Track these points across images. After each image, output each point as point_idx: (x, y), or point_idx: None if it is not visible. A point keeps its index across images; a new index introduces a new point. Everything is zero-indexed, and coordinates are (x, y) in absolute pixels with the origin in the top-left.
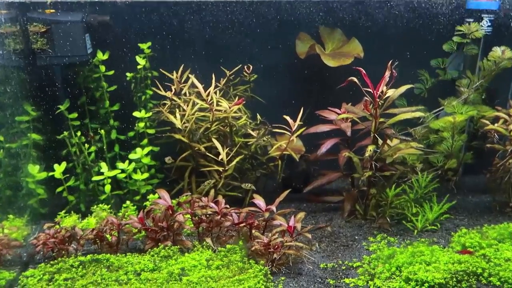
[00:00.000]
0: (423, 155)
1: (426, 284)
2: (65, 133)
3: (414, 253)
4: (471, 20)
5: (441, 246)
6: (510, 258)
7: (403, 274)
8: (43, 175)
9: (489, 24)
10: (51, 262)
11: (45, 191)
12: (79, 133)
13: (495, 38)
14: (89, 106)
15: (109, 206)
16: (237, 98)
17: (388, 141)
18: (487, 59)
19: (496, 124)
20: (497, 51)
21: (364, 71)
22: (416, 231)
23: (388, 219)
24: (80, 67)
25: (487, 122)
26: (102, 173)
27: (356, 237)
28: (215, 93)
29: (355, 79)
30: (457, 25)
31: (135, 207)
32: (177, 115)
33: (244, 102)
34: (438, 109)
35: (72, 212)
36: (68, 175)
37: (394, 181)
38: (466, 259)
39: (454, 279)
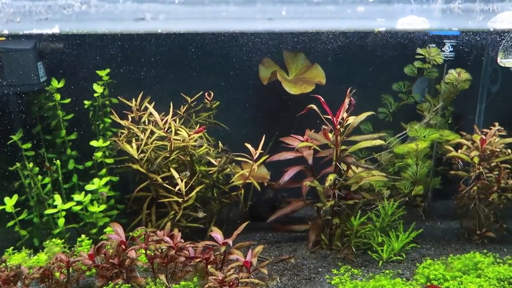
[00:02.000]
0: (390, 182)
1: None
2: (18, 164)
3: None
4: (434, 45)
5: (405, 278)
6: None
7: None
8: None
9: (451, 49)
10: None
11: None
12: (31, 165)
13: (458, 62)
14: (45, 135)
15: (63, 240)
16: (198, 125)
17: (354, 168)
18: (445, 82)
19: (459, 151)
20: (453, 73)
21: (322, 99)
22: (381, 262)
23: (354, 249)
24: (34, 95)
25: (451, 148)
26: (56, 206)
27: (320, 269)
28: (175, 121)
29: (314, 107)
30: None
31: (90, 241)
32: (133, 144)
33: (205, 129)
34: (401, 134)
35: (24, 247)
36: (20, 208)
37: (359, 209)
38: None
39: None
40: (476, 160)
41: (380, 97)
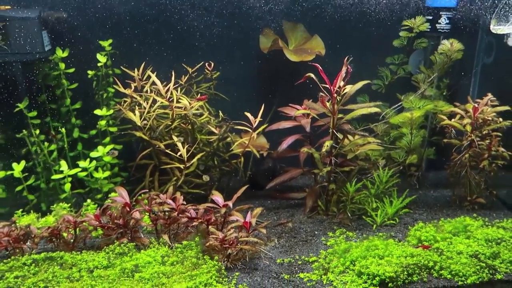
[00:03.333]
0: (385, 151)
1: (378, 278)
2: (25, 131)
3: (368, 247)
4: (430, 17)
5: (397, 240)
6: (462, 251)
7: (356, 268)
8: (2, 174)
9: (447, 21)
10: (4, 261)
11: (4, 190)
12: (37, 131)
13: (453, 35)
14: (50, 104)
15: (69, 205)
16: (198, 95)
17: (350, 137)
18: (438, 52)
19: (452, 120)
20: (446, 44)
21: (320, 68)
22: (375, 226)
23: (349, 214)
24: (39, 64)
25: (444, 117)
26: (62, 172)
27: (316, 232)
28: (177, 90)
29: (312, 75)
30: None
31: (96, 205)
32: (136, 112)
33: (207, 99)
34: (397, 105)
35: (32, 211)
36: (27, 174)
37: (354, 176)
38: (418, 252)
39: (405, 273)
40: (468, 128)
41: (377, 70)
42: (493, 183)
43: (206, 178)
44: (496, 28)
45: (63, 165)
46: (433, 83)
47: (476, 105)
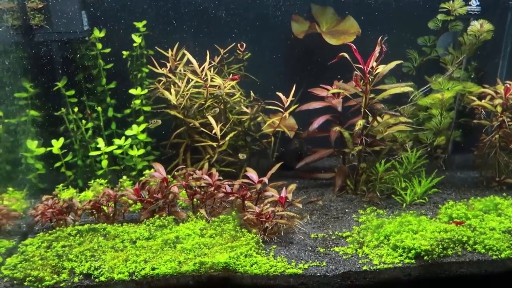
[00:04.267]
0: (413, 133)
1: (413, 251)
2: (63, 109)
3: (402, 223)
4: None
5: (429, 217)
6: (495, 228)
7: (391, 242)
8: (42, 150)
9: (478, 3)
10: (49, 231)
11: (44, 167)
12: (76, 109)
13: (484, 17)
14: (86, 84)
15: (106, 181)
16: (231, 76)
17: (379, 118)
18: (467, 33)
19: (483, 101)
20: (475, 25)
21: (354, 47)
22: (405, 204)
23: (378, 194)
24: (77, 44)
25: (474, 98)
26: (99, 149)
27: (347, 210)
28: (209, 70)
29: (346, 55)
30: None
31: (131, 182)
32: (172, 91)
33: (239, 79)
34: (425, 87)
35: (70, 187)
36: (66, 150)
37: (384, 157)
38: (452, 228)
39: (440, 246)
40: (499, 109)
41: (405, 52)
42: None
43: (243, 156)
44: None
45: (100, 143)
46: (461, 64)
47: (508, 85)
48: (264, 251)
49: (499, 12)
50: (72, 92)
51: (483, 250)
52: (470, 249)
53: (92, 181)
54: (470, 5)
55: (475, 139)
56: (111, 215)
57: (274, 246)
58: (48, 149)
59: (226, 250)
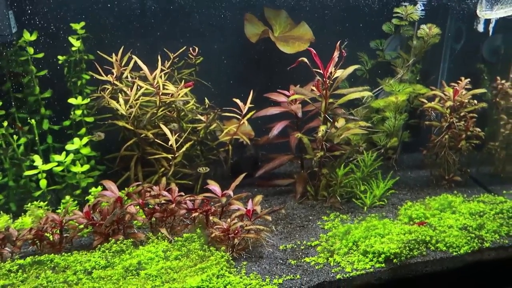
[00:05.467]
0: (366, 135)
1: (383, 255)
2: None
3: (368, 228)
4: (407, 4)
5: (391, 219)
6: (452, 225)
7: (361, 248)
8: None
9: (422, 8)
10: None
11: None
12: (5, 124)
13: (427, 21)
14: (16, 94)
15: (46, 203)
16: (183, 81)
17: (337, 123)
18: (417, 37)
19: (433, 102)
20: (424, 29)
21: (314, 52)
22: (365, 207)
23: (339, 198)
24: (3, 48)
25: (425, 100)
26: (35, 167)
27: (310, 217)
28: (160, 77)
29: (305, 60)
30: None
31: (75, 202)
32: (120, 100)
33: (193, 86)
34: (377, 89)
35: (0, 212)
36: None
37: (343, 161)
38: (415, 229)
39: (407, 248)
40: (448, 110)
41: (356, 56)
42: (467, 161)
43: (204, 169)
44: (483, 13)
45: (37, 160)
46: (413, 69)
47: (457, 88)
48: (235, 269)
49: (440, 16)
50: None
51: (445, 248)
52: (433, 248)
53: (29, 204)
54: (416, 10)
55: (421, 139)
56: (58, 242)
57: (244, 263)
58: None
59: (197, 272)
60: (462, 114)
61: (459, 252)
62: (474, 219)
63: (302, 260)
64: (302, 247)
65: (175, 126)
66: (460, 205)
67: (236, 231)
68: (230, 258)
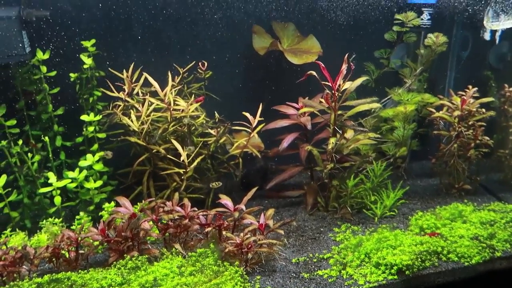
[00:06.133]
0: (376, 145)
1: (395, 267)
2: (3, 142)
3: (379, 239)
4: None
5: (402, 230)
6: (464, 235)
7: (373, 260)
8: None
9: (429, 17)
10: None
11: None
12: (20, 142)
13: (435, 30)
14: (29, 111)
15: (61, 219)
16: (193, 96)
17: (346, 134)
18: (424, 45)
19: (441, 112)
20: (431, 37)
21: (323, 65)
22: (376, 218)
23: (349, 209)
24: (17, 68)
25: (433, 110)
26: (49, 184)
27: (322, 229)
28: (171, 92)
29: (314, 73)
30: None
31: (89, 218)
32: (132, 116)
33: (203, 100)
34: (385, 99)
35: (16, 229)
36: (9, 189)
37: (354, 171)
38: (426, 240)
39: (419, 259)
40: (456, 119)
41: (363, 65)
42: (476, 170)
43: (217, 184)
44: (491, 24)
45: (51, 177)
46: (420, 77)
47: (464, 97)
48: (249, 284)
49: (446, 26)
50: (13, 121)
51: (456, 258)
52: (444, 258)
53: (44, 220)
54: (422, 19)
55: (429, 147)
56: (74, 260)
57: (258, 277)
58: None
59: None
60: (470, 123)
61: (470, 262)
62: (485, 229)
63: (315, 273)
64: (315, 260)
65: (191, 149)
66: (471, 214)
67: (250, 246)
68: (244, 272)
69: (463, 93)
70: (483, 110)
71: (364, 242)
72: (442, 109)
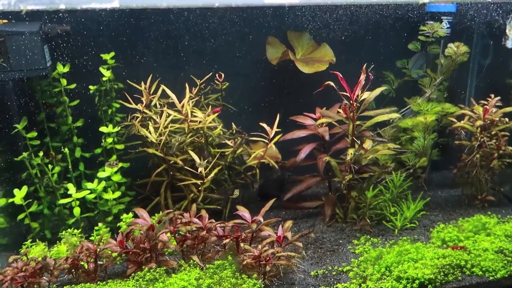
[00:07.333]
0: (395, 155)
1: (417, 281)
2: (24, 154)
3: (400, 252)
4: (432, 22)
5: (423, 242)
6: (488, 248)
7: (394, 274)
8: (2, 201)
9: (448, 25)
10: None
11: (5, 220)
12: (41, 154)
13: (454, 38)
14: (49, 123)
15: (80, 230)
16: (210, 107)
17: (365, 145)
18: (444, 55)
19: (462, 122)
20: (452, 47)
21: (340, 75)
22: (396, 230)
23: (369, 221)
24: (39, 81)
25: (454, 120)
26: (69, 195)
27: (340, 241)
28: (188, 104)
29: (332, 83)
30: (421, 26)
31: (107, 228)
32: (151, 128)
33: (220, 111)
34: (404, 109)
35: (37, 240)
36: (30, 200)
37: (371, 183)
38: (449, 253)
39: (442, 273)
40: (479, 129)
41: (382, 74)
42: (500, 180)
43: (236, 193)
44: None
45: (71, 188)
46: (440, 87)
47: (487, 107)
48: None
49: (466, 35)
50: (34, 134)
51: (480, 272)
52: (468, 272)
53: (64, 231)
54: (442, 28)
55: (450, 157)
56: (93, 271)
57: None
58: (10, 200)
59: None
60: (493, 132)
61: (495, 277)
62: (510, 242)
63: (334, 286)
64: (334, 273)
65: (202, 164)
66: (495, 227)
67: (268, 258)
68: (262, 285)
69: (485, 102)
70: (506, 119)
71: (384, 255)
72: (463, 119)
